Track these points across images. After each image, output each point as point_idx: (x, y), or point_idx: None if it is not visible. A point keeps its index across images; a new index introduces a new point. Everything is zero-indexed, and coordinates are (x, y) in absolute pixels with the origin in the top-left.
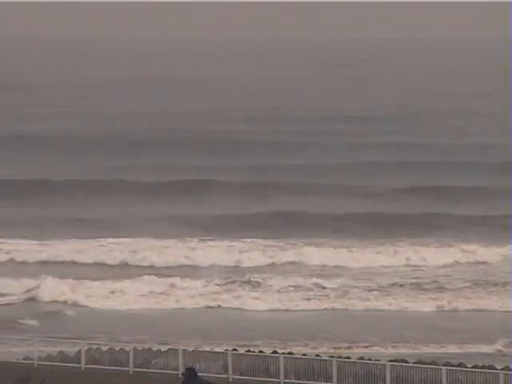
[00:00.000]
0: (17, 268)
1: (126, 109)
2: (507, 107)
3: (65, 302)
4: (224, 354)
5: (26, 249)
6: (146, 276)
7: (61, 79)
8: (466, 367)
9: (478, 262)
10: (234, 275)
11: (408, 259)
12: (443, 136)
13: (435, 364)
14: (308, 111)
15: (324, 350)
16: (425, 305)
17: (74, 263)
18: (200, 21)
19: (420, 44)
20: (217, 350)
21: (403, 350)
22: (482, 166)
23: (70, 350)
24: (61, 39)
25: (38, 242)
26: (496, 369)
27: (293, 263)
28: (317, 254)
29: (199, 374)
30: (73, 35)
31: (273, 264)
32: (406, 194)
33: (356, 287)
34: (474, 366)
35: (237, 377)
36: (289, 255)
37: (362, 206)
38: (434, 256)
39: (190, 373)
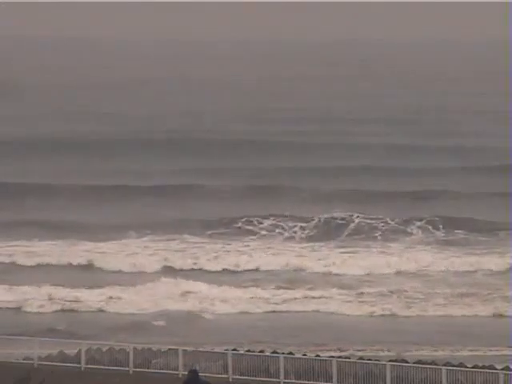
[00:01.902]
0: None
1: (126, 109)
2: (507, 108)
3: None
4: (224, 354)
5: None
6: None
7: (60, 79)
8: (466, 367)
9: None
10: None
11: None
12: (443, 137)
13: (435, 364)
14: (308, 111)
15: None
16: None
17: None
18: (200, 21)
19: (420, 44)
20: (217, 350)
21: None
22: (484, 168)
23: (70, 350)
24: (61, 39)
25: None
26: (496, 369)
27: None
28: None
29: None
30: (73, 35)
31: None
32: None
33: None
34: (474, 366)
35: (237, 377)
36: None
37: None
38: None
39: (193, 374)
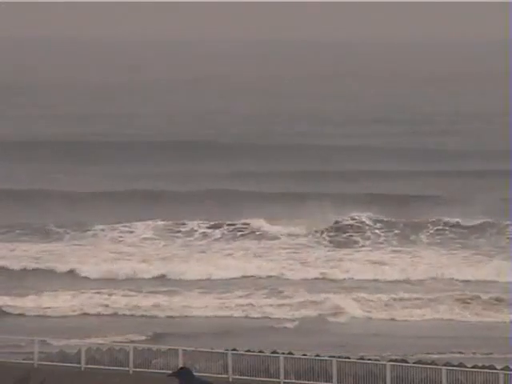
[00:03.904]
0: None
1: (124, 111)
2: (507, 109)
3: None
4: (224, 354)
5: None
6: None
7: (59, 80)
8: (466, 367)
9: None
10: None
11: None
12: (443, 139)
13: (435, 364)
14: (307, 112)
15: None
16: None
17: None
18: (200, 21)
19: (420, 44)
20: (217, 350)
21: None
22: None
23: (70, 350)
24: (60, 39)
25: None
26: (496, 369)
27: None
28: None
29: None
30: (72, 35)
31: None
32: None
33: None
34: (474, 366)
35: (237, 377)
36: None
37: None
38: None
39: (187, 373)
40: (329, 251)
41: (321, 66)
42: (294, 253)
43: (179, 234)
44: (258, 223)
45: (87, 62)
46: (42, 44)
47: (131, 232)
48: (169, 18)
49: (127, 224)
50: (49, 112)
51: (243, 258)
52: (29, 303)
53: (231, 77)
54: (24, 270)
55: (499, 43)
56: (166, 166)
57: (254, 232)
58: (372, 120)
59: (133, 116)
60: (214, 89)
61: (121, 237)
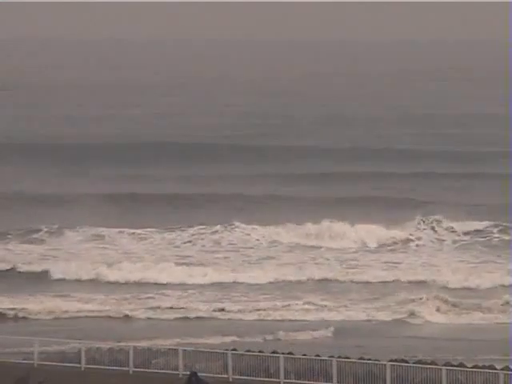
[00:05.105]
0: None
1: (124, 111)
2: (507, 109)
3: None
4: (224, 354)
5: None
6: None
7: (58, 81)
8: (466, 367)
9: None
10: None
11: None
12: (442, 139)
13: (435, 364)
14: (305, 113)
15: None
16: None
17: None
18: (199, 21)
19: (420, 44)
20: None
21: None
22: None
23: (70, 350)
24: (59, 40)
25: None
26: (496, 369)
27: None
28: None
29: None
30: (70, 35)
31: None
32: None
33: None
34: (474, 366)
35: (237, 377)
36: None
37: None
38: None
39: (193, 377)
40: (392, 254)
41: (320, 66)
42: (360, 256)
43: (224, 234)
44: (324, 226)
45: (86, 63)
46: (42, 44)
47: (139, 236)
48: (169, 17)
49: (132, 227)
50: (48, 112)
51: (313, 261)
52: (85, 305)
53: (229, 77)
54: (45, 271)
55: (499, 43)
56: (165, 167)
57: (320, 235)
58: (371, 120)
59: (132, 116)
60: (213, 89)
61: (128, 239)
